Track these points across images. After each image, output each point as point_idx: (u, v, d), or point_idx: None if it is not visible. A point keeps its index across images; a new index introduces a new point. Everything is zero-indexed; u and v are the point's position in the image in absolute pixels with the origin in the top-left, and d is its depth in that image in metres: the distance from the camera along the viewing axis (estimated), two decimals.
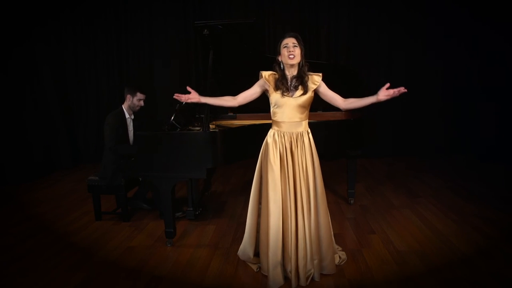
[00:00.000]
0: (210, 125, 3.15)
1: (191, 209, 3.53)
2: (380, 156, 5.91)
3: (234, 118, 3.95)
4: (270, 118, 2.51)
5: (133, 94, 3.61)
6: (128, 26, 5.99)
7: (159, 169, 2.85)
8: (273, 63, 2.45)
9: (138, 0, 5.92)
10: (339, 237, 3.01)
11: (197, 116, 3.64)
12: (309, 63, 2.46)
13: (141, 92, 3.63)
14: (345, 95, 2.50)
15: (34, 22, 5.39)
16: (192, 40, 5.95)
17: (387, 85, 2.29)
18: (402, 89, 2.24)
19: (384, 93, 2.29)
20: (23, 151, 5.19)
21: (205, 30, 2.97)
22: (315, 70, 2.49)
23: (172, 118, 3.10)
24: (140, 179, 3.70)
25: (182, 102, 3.40)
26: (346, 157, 3.74)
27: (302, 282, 2.36)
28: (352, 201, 3.88)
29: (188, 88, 2.46)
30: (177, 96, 2.42)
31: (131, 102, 3.61)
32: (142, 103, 3.66)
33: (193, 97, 2.46)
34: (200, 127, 3.21)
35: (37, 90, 5.48)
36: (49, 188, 4.86)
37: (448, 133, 5.91)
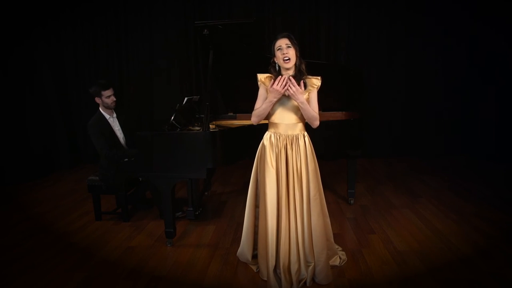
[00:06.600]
0: (210, 125, 3.15)
1: (191, 209, 3.53)
2: (380, 156, 5.92)
3: (234, 118, 3.95)
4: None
5: (99, 95, 3.40)
6: (128, 26, 5.99)
7: (159, 169, 2.85)
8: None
9: (138, 0, 5.92)
10: (339, 237, 3.01)
11: (197, 116, 3.63)
12: (311, 64, 2.44)
13: (105, 89, 3.38)
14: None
15: (34, 22, 5.39)
16: (192, 40, 5.95)
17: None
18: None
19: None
20: (23, 151, 5.19)
21: (205, 30, 2.98)
22: (317, 70, 2.47)
23: (172, 118, 3.10)
24: (140, 179, 3.69)
25: (182, 102, 3.43)
26: (346, 157, 3.74)
27: (295, 286, 2.32)
28: (352, 201, 3.88)
29: None
30: None
31: (103, 102, 3.44)
32: (113, 97, 3.43)
33: None
34: (200, 127, 3.22)
35: (37, 90, 5.48)
36: (49, 188, 4.86)
37: (448, 133, 5.90)
